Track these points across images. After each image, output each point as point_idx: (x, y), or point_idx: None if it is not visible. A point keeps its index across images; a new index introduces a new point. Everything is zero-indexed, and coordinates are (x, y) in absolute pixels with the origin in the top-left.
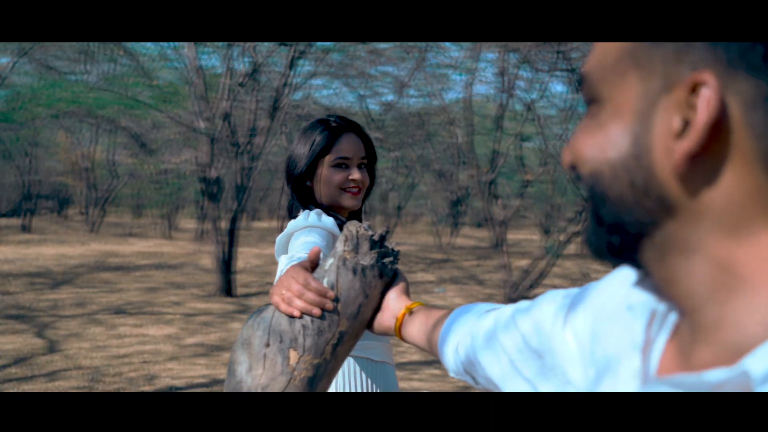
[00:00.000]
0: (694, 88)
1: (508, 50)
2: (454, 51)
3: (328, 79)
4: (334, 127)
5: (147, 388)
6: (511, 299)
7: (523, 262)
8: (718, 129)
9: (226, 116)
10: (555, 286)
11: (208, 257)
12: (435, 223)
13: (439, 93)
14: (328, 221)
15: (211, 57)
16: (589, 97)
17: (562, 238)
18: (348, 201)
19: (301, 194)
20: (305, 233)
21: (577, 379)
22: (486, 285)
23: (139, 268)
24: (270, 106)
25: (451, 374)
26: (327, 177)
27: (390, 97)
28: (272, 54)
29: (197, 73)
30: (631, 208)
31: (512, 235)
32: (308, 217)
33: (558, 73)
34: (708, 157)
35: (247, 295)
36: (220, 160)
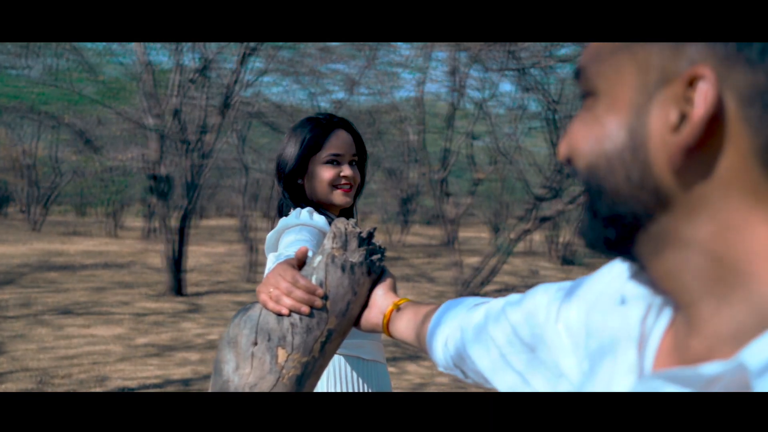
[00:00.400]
0: (692, 82)
1: (459, 49)
2: (404, 49)
3: (278, 76)
4: (325, 124)
5: (98, 390)
6: (462, 296)
7: (473, 260)
8: (715, 123)
9: (176, 113)
10: (506, 284)
11: (156, 256)
12: (385, 221)
13: (389, 91)
14: (320, 219)
15: (159, 52)
16: (585, 90)
17: (512, 236)
18: (340, 198)
19: (293, 192)
20: (295, 231)
21: (570, 372)
22: (437, 283)
23: (85, 268)
24: (221, 103)
25: (440, 369)
26: (319, 174)
27: (340, 95)
28: (222, 50)
29: (146, 68)
30: (626, 201)
31: (462, 233)
32: (299, 215)
33: (507, 72)
34: (704, 150)
35: (198, 294)
36: (169, 158)
